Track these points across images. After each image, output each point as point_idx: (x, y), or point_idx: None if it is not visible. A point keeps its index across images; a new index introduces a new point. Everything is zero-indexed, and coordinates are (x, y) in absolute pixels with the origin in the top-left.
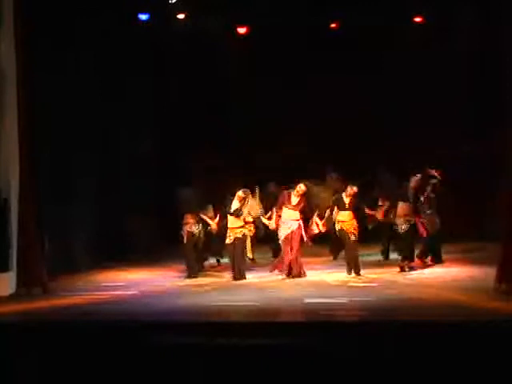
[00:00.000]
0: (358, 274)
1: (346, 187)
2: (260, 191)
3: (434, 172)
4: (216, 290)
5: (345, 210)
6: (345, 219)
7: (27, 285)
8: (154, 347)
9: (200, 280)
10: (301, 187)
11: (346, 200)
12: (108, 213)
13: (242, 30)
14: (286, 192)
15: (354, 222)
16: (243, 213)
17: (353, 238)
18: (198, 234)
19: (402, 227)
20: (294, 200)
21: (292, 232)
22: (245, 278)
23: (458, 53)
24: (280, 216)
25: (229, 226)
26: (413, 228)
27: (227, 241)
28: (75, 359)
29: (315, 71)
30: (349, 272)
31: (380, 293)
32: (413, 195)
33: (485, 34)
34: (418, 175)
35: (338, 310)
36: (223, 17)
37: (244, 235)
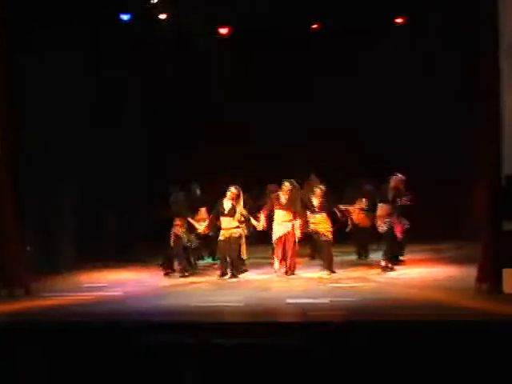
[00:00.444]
0: (332, 272)
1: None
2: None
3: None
4: (201, 290)
5: (315, 212)
6: (316, 221)
7: (9, 286)
8: (138, 348)
9: (186, 280)
10: (286, 185)
11: (315, 202)
12: (92, 212)
13: (223, 31)
14: (275, 193)
15: (327, 224)
16: (237, 211)
17: (323, 238)
18: (185, 237)
19: (383, 228)
20: (284, 200)
21: (287, 233)
22: (238, 277)
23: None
24: (267, 217)
25: (223, 226)
26: (393, 229)
27: (220, 238)
28: (60, 360)
29: (299, 72)
30: (323, 270)
31: (362, 293)
32: (392, 196)
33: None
34: (399, 175)
35: (320, 311)
36: (205, 17)
37: (241, 235)
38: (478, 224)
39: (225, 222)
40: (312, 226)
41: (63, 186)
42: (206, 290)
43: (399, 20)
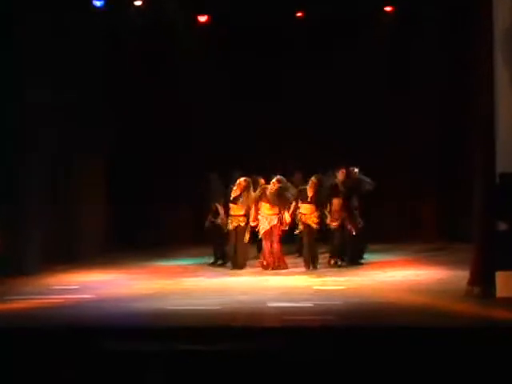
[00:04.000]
0: (314, 267)
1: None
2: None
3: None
4: (179, 293)
5: (307, 202)
6: (306, 212)
7: None
8: (110, 354)
9: (163, 282)
10: (274, 181)
11: (309, 193)
12: (61, 210)
13: (202, 19)
14: (263, 187)
15: (315, 216)
16: (241, 200)
17: (304, 229)
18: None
19: (333, 224)
20: (271, 194)
21: (272, 226)
22: (244, 267)
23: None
24: (258, 211)
25: (231, 213)
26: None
27: (229, 227)
28: (18, 369)
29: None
30: (306, 267)
31: (347, 297)
32: (345, 191)
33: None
34: (342, 169)
35: (301, 315)
36: (183, 5)
37: (246, 224)
38: (470, 224)
39: (232, 208)
40: (299, 216)
41: (33, 182)
42: (185, 292)
43: (388, 8)
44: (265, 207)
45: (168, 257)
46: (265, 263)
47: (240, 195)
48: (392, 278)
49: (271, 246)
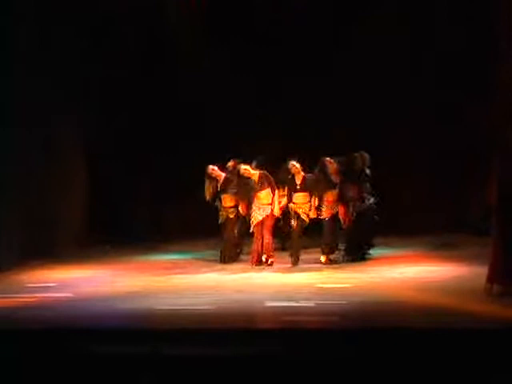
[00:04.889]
0: (294, 264)
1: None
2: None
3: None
4: (166, 291)
5: (296, 191)
6: (297, 201)
7: None
8: (91, 358)
9: (150, 279)
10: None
11: (297, 180)
12: (35, 201)
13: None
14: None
15: (307, 206)
16: (232, 191)
17: (293, 223)
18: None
19: (325, 215)
20: (258, 181)
21: (266, 217)
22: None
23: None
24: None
25: (222, 205)
26: (336, 217)
27: (219, 219)
28: None
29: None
30: (294, 263)
31: (352, 295)
32: (341, 180)
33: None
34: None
35: (303, 315)
36: None
37: (236, 216)
38: (490, 215)
39: (224, 200)
40: (292, 206)
41: (4, 172)
42: (174, 290)
43: None
44: (260, 197)
45: (155, 251)
46: (253, 258)
47: (230, 185)
48: (403, 274)
49: (263, 238)
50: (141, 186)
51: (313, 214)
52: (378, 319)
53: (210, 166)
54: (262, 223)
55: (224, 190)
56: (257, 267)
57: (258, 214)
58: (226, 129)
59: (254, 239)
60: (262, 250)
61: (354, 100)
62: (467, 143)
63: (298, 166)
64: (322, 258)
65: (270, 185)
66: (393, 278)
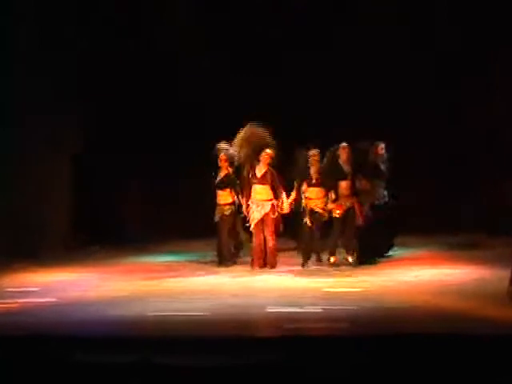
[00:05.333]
0: (306, 262)
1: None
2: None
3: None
4: (159, 295)
5: (312, 185)
6: (312, 196)
7: None
8: (76, 367)
9: (141, 283)
10: (266, 152)
11: (313, 172)
12: (18, 201)
13: None
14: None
15: (322, 202)
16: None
17: (307, 221)
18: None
19: (337, 212)
20: (260, 170)
21: (265, 215)
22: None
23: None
24: (249, 197)
25: (218, 202)
26: (349, 214)
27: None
28: None
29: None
30: (304, 264)
31: (363, 300)
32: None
33: None
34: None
35: (308, 322)
36: None
37: (233, 213)
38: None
39: (220, 197)
40: (304, 203)
41: None
42: (167, 295)
43: None
44: (255, 190)
45: (147, 253)
46: (254, 261)
47: (227, 176)
48: (418, 277)
49: (265, 240)
50: (132, 185)
51: (331, 206)
52: (391, 325)
53: (223, 155)
54: (262, 222)
55: (220, 186)
56: (257, 270)
57: (256, 212)
58: (225, 129)
59: (254, 240)
60: (265, 253)
61: (354, 100)
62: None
63: (317, 155)
64: (332, 259)
65: (272, 179)
66: (406, 281)
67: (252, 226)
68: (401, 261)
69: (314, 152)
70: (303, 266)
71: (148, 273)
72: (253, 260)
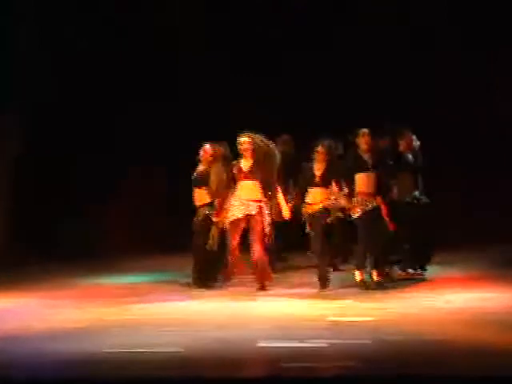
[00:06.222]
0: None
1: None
2: None
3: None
4: (121, 326)
5: (314, 185)
6: (314, 200)
7: None
8: None
9: (99, 311)
10: (244, 140)
11: (317, 170)
12: None
13: None
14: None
15: (327, 199)
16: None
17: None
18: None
19: (355, 214)
20: (246, 164)
21: (249, 217)
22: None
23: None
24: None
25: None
26: (373, 216)
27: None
28: None
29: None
30: (322, 286)
31: (379, 332)
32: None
33: None
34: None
35: (310, 360)
36: None
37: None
38: None
39: (195, 195)
40: (306, 209)
41: None
42: (132, 325)
43: None
44: (240, 187)
45: (105, 272)
46: (227, 270)
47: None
48: (449, 304)
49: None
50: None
51: (343, 202)
52: (414, 364)
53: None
54: (242, 223)
55: (195, 183)
56: (247, 291)
57: (236, 209)
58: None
59: (228, 243)
60: (259, 263)
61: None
62: None
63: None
64: (357, 276)
65: (263, 174)
66: (435, 308)
67: (226, 223)
68: (428, 282)
69: (321, 147)
70: (322, 287)
71: (107, 298)
72: (225, 273)
